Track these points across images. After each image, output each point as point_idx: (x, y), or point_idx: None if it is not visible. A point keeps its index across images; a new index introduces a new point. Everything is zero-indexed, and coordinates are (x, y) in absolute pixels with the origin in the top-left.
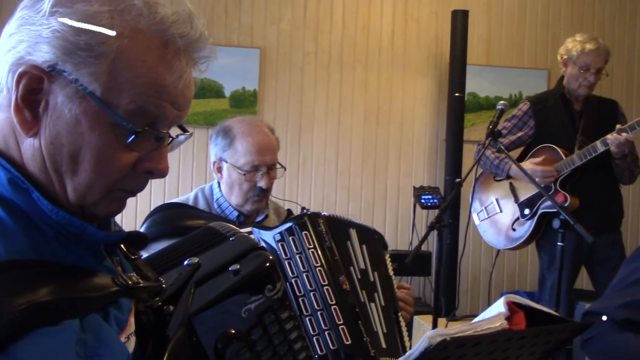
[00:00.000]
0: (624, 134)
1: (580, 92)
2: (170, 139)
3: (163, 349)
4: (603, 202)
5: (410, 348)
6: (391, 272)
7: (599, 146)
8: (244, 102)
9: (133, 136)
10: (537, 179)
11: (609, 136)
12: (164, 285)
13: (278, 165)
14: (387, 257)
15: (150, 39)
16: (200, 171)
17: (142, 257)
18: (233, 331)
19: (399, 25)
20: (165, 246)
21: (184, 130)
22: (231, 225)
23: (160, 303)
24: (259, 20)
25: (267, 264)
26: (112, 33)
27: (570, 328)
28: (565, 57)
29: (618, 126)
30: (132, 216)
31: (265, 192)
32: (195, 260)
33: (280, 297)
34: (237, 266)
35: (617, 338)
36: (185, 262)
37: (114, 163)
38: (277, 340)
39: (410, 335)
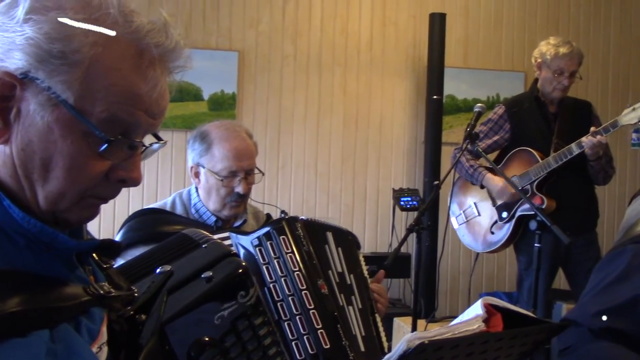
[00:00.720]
0: (598, 137)
1: (554, 95)
2: (144, 147)
3: (135, 358)
4: (579, 203)
5: (388, 349)
6: (366, 273)
7: (574, 149)
8: (223, 105)
9: (105, 145)
10: (504, 196)
11: (583, 139)
12: (136, 294)
13: (256, 171)
14: (361, 257)
15: (125, 48)
16: (178, 175)
17: (115, 265)
18: (206, 338)
19: (377, 28)
20: (141, 253)
21: (159, 139)
22: (205, 232)
23: (132, 312)
24: (237, 23)
25: (240, 270)
26: (87, 41)
27: (546, 329)
28: (539, 60)
29: (592, 129)
30: (110, 221)
31: (243, 198)
32: (168, 268)
33: (253, 303)
34: (209, 273)
35: (594, 347)
36: (158, 270)
37: (86, 171)
38: (251, 346)
39: (390, 337)
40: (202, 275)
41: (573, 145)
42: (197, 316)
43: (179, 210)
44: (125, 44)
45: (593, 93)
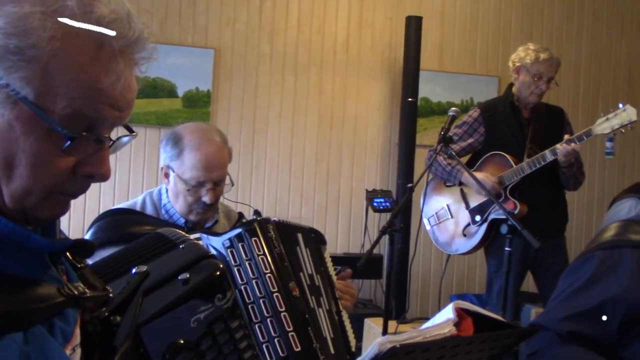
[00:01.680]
0: (572, 144)
1: (530, 100)
2: (112, 141)
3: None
4: (549, 208)
5: (357, 348)
6: (331, 270)
7: (548, 155)
8: (198, 102)
9: (69, 142)
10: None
11: (558, 146)
12: (111, 295)
13: (227, 180)
14: (327, 254)
15: (84, 40)
16: (151, 172)
17: (89, 265)
18: (182, 341)
19: (353, 29)
20: (112, 253)
21: (130, 131)
22: (181, 232)
23: (107, 313)
24: (213, 20)
25: (218, 273)
26: (44, 35)
27: (516, 334)
28: (518, 64)
29: (567, 136)
30: (80, 218)
31: (209, 207)
32: (144, 268)
33: (230, 306)
34: (186, 275)
35: (561, 352)
36: (134, 271)
37: (51, 168)
38: (226, 349)
39: (360, 337)
40: (179, 277)
41: (547, 152)
42: (172, 319)
43: (149, 210)
44: (85, 37)
45: (564, 99)
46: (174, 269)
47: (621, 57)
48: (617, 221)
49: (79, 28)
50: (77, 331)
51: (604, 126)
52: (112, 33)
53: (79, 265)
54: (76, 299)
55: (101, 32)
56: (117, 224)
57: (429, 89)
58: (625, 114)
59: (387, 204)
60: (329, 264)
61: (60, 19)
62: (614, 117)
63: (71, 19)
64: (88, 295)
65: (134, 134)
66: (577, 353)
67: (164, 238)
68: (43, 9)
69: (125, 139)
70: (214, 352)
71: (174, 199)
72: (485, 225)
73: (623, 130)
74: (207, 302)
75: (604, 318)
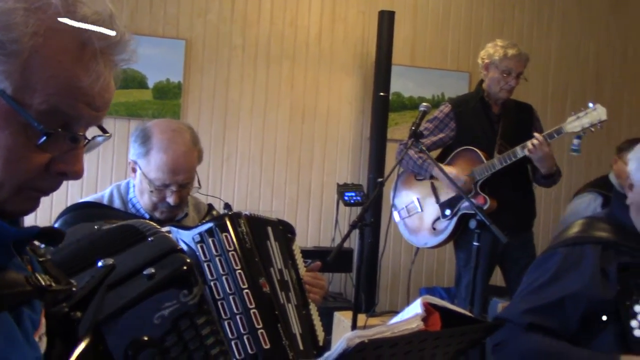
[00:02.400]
0: (540, 137)
1: (500, 96)
2: (87, 140)
3: (70, 352)
4: (517, 203)
5: (326, 341)
6: (300, 263)
7: (519, 152)
8: (168, 94)
9: (44, 137)
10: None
11: (528, 143)
12: (74, 289)
13: (196, 182)
14: (296, 246)
15: (67, 39)
16: (120, 164)
17: (51, 259)
18: (145, 338)
19: (326, 22)
20: (79, 242)
21: (104, 131)
22: (152, 223)
23: (67, 309)
24: (185, 11)
25: (184, 268)
26: (27, 31)
27: (482, 328)
28: (487, 61)
29: (537, 135)
30: (47, 210)
31: (174, 207)
32: (110, 261)
33: (197, 302)
34: (152, 270)
35: (524, 340)
36: (100, 264)
37: (25, 163)
38: (193, 346)
39: (330, 331)
40: (144, 272)
41: (518, 149)
42: (136, 315)
43: (116, 204)
44: (67, 35)
45: (534, 96)
46: (140, 263)
47: (589, 56)
48: (582, 218)
49: (61, 26)
50: (43, 320)
51: (574, 124)
52: (98, 29)
53: (41, 259)
54: (43, 291)
55: (84, 30)
56: (83, 218)
57: (401, 84)
58: (595, 113)
59: (358, 197)
60: (298, 256)
61: (43, 16)
62: (584, 115)
63: (54, 16)
64: (54, 288)
65: (108, 134)
66: (538, 339)
67: (133, 229)
68: (27, 5)
69: (100, 139)
70: (179, 348)
71: (139, 195)
72: (454, 220)
73: (593, 129)
74: (172, 298)
75: (564, 312)
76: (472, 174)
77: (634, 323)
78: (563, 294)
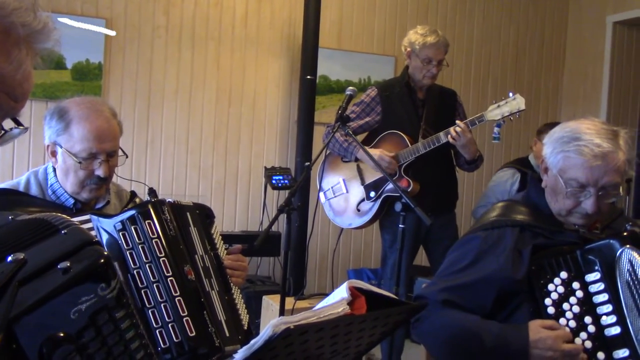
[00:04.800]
0: (462, 125)
1: (424, 82)
2: (3, 132)
3: None
4: (440, 186)
5: (252, 324)
6: (221, 247)
7: (442, 137)
8: (88, 75)
9: None
10: (383, 166)
11: (451, 129)
12: None
13: (120, 152)
14: (214, 230)
15: None
16: (37, 149)
17: None
18: (61, 334)
19: (252, 4)
20: None
21: (19, 124)
22: (64, 216)
23: None
24: None
25: (101, 261)
26: None
27: (406, 310)
28: (408, 49)
29: (459, 122)
30: None
31: (103, 181)
32: (21, 256)
33: (115, 295)
34: (67, 263)
35: (440, 314)
36: (9, 258)
37: None
38: (112, 340)
39: (258, 315)
40: (59, 266)
41: (441, 134)
42: (51, 310)
43: (34, 190)
44: None
45: (457, 81)
46: (53, 257)
47: (509, 39)
48: (502, 201)
49: None
50: None
51: (495, 112)
52: (17, 20)
53: None
54: None
55: (7, 16)
56: None
57: (328, 67)
58: (515, 102)
59: (286, 181)
60: (218, 239)
61: None
62: (504, 104)
63: None
64: None
65: (24, 127)
66: (452, 314)
67: (45, 222)
68: None
69: (16, 131)
70: (97, 343)
71: (63, 177)
72: (379, 202)
73: (512, 118)
74: (89, 292)
75: (478, 294)
76: (396, 157)
77: (547, 301)
78: (478, 277)
